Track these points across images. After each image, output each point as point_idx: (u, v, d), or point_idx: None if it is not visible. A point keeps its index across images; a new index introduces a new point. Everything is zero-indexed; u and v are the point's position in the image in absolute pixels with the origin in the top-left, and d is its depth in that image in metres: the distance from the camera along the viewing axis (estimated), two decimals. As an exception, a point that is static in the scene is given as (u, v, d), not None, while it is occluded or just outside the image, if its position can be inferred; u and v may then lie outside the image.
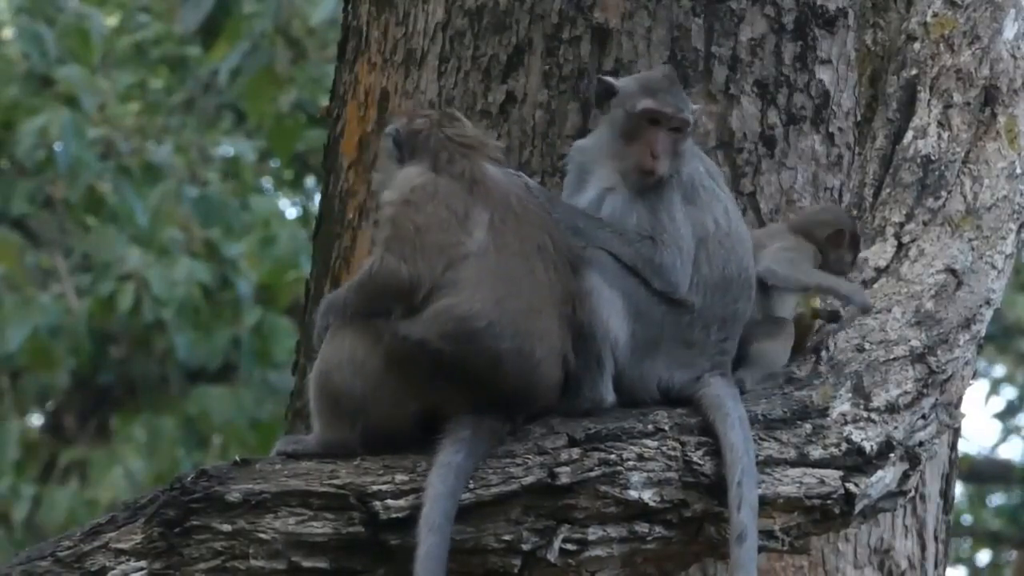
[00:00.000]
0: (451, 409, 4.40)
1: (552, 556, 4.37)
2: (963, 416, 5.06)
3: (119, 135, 14.10)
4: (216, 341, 13.56)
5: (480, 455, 4.36)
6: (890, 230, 5.12)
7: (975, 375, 5.31)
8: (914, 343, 4.85)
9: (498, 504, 4.36)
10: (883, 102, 5.42)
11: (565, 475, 4.39)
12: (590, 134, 4.96)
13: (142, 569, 4.27)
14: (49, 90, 13.89)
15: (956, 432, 5.76)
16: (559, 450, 4.43)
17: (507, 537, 4.36)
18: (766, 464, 4.57)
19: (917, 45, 5.41)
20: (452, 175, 4.55)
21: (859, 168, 5.40)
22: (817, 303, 4.90)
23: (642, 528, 4.46)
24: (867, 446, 4.66)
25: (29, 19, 13.86)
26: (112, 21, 15.14)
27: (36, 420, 15.76)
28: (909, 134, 5.28)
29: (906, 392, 4.78)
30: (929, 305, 4.94)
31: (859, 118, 5.64)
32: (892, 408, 4.75)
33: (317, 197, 6.32)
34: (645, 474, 4.45)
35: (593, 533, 4.42)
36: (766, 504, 4.54)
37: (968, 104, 5.28)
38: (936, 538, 5.71)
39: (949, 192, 5.17)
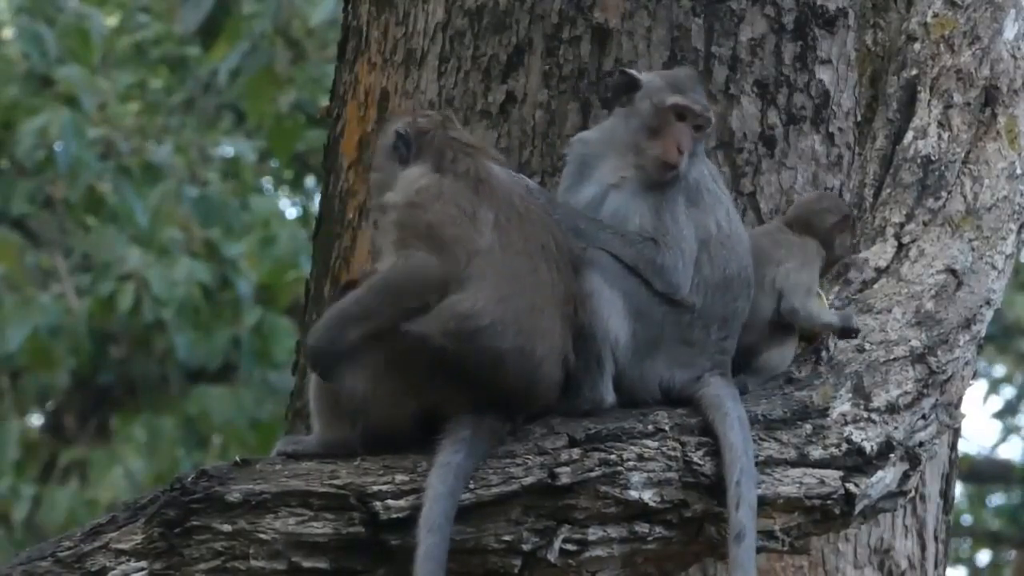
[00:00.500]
0: (451, 409, 4.40)
1: (552, 556, 4.37)
2: (963, 416, 5.06)
3: (119, 135, 14.10)
4: (216, 341, 13.56)
5: (480, 455, 4.36)
6: (890, 230, 5.12)
7: (975, 375, 5.31)
8: (914, 343, 4.85)
9: (498, 504, 4.36)
10: (883, 102, 5.42)
11: (565, 475, 4.39)
12: (596, 126, 4.96)
13: (142, 569, 4.27)
14: (49, 90, 13.89)
15: (956, 432, 5.76)
16: (559, 450, 4.43)
17: (507, 537, 4.36)
18: (766, 464, 4.57)
19: (917, 45, 5.41)
20: (456, 174, 4.55)
21: (859, 168, 5.40)
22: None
23: (642, 528, 4.46)
24: (867, 446, 4.66)
25: (29, 19, 13.86)
26: (112, 21, 15.14)
27: (36, 420, 15.76)
28: (909, 134, 5.29)
29: (906, 392, 4.78)
30: (929, 305, 4.94)
31: (859, 118, 5.64)
32: (892, 408, 4.75)
33: (317, 197, 6.31)
34: (645, 474, 4.45)
35: (593, 533, 4.41)
36: (766, 504, 4.54)
37: (968, 104, 5.28)
38: (936, 538, 5.71)
39: (949, 192, 5.17)
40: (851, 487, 4.62)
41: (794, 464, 4.61)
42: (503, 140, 5.42)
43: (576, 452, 4.43)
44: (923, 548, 5.66)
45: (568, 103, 5.41)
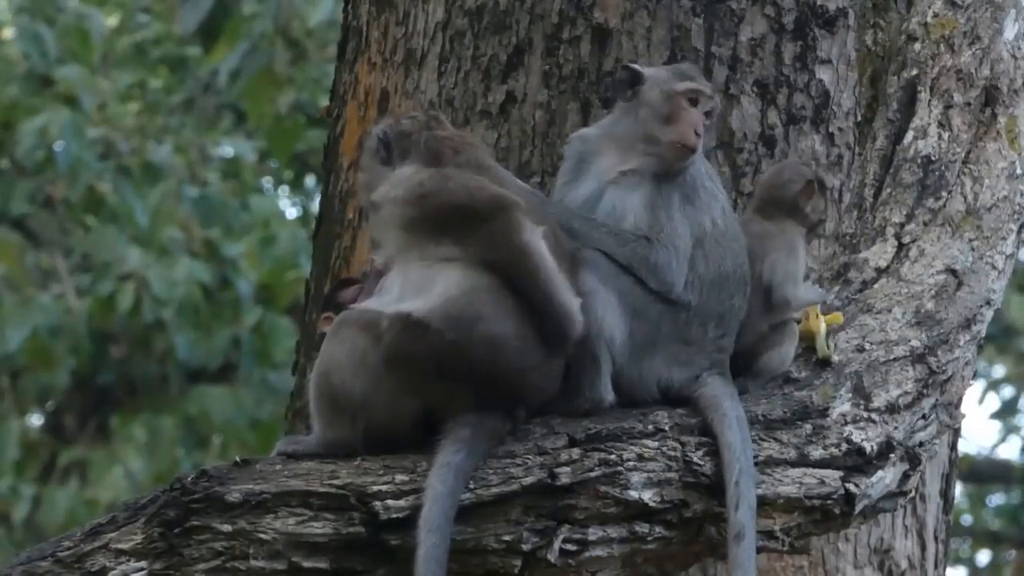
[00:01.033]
0: (451, 409, 4.40)
1: (552, 556, 4.37)
2: (963, 416, 5.05)
3: (119, 135, 14.11)
4: (216, 341, 13.56)
5: (480, 455, 4.36)
6: (890, 230, 5.12)
7: (975, 375, 5.31)
8: (914, 343, 4.85)
9: (498, 504, 4.36)
10: (883, 102, 5.42)
11: (565, 475, 4.39)
12: (596, 123, 4.97)
13: (142, 569, 4.26)
14: (49, 90, 13.89)
15: (956, 432, 5.76)
16: (559, 450, 4.43)
17: (507, 537, 4.36)
18: (766, 464, 4.57)
19: (917, 45, 5.41)
20: (459, 165, 4.56)
21: (859, 168, 5.40)
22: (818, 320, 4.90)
23: (642, 528, 4.46)
24: (867, 446, 4.66)
25: (29, 19, 13.86)
26: (112, 21, 15.14)
27: (36, 420, 15.76)
28: (909, 134, 5.28)
29: (906, 392, 4.78)
30: (929, 305, 4.94)
31: (859, 118, 5.64)
32: (892, 408, 4.74)
33: (317, 197, 6.32)
34: (645, 474, 4.45)
35: (593, 533, 4.41)
36: (766, 504, 4.54)
37: (968, 104, 5.28)
38: (936, 538, 5.71)
39: (949, 192, 5.17)
40: (851, 487, 4.62)
41: (794, 464, 4.61)
42: (503, 140, 5.42)
43: (576, 452, 4.43)
44: (923, 548, 5.66)
45: (568, 103, 5.41)
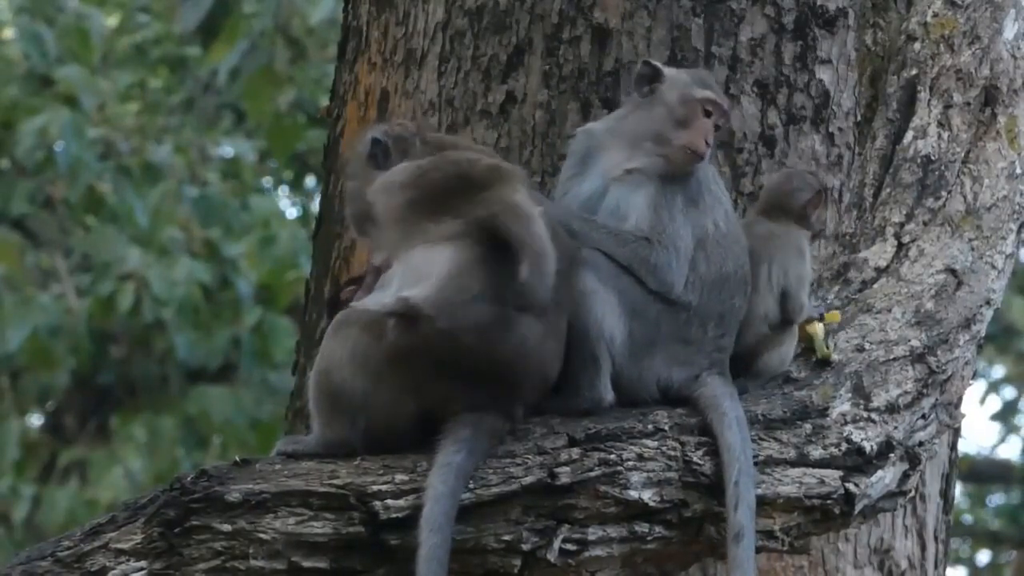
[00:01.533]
0: (450, 409, 4.40)
1: (552, 556, 4.37)
2: (963, 416, 5.06)
3: (119, 135, 14.10)
4: (216, 341, 13.56)
5: (480, 455, 4.36)
6: (890, 230, 5.12)
7: (975, 375, 5.31)
8: (914, 343, 4.85)
9: (498, 504, 4.36)
10: (883, 102, 5.42)
11: (565, 475, 4.39)
12: (603, 118, 4.97)
13: (142, 569, 4.27)
14: (49, 90, 13.89)
15: (956, 432, 5.76)
16: (559, 450, 4.43)
17: (507, 537, 4.36)
18: (766, 464, 4.57)
19: (917, 45, 5.41)
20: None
21: (859, 168, 5.40)
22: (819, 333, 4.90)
23: (642, 528, 4.46)
24: (867, 446, 4.66)
25: (29, 19, 13.85)
26: (112, 21, 15.14)
27: (36, 420, 15.75)
28: (909, 134, 5.28)
29: (906, 392, 4.78)
30: (929, 305, 4.94)
31: (859, 118, 5.64)
32: (892, 408, 4.75)
33: (317, 197, 6.31)
34: (645, 474, 4.45)
35: (593, 533, 4.41)
36: (766, 504, 4.54)
37: (968, 104, 5.28)
38: (936, 538, 5.71)
39: (949, 192, 5.17)
40: (851, 487, 4.62)
41: (794, 464, 4.61)
42: (503, 140, 5.42)
43: (576, 452, 4.43)
44: (923, 548, 5.66)
45: (568, 103, 5.41)
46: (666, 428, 4.53)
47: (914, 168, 5.21)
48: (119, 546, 4.28)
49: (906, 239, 5.10)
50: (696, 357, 4.65)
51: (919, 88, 5.34)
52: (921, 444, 4.79)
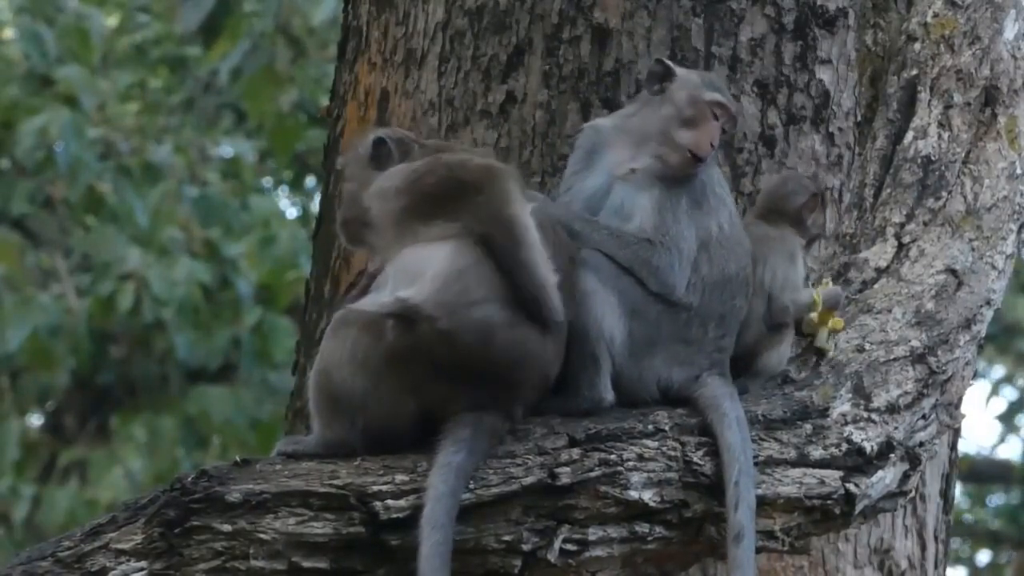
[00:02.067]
0: (450, 409, 4.40)
1: (552, 556, 4.37)
2: (963, 416, 5.06)
3: (119, 135, 14.10)
4: (216, 341, 13.55)
5: (480, 454, 4.36)
6: (890, 230, 5.12)
7: (975, 376, 5.31)
8: (914, 343, 4.85)
9: (498, 504, 4.36)
10: (883, 102, 5.42)
11: (565, 475, 4.39)
12: (611, 114, 4.97)
13: (142, 569, 4.26)
14: (49, 90, 13.89)
15: (956, 432, 5.76)
16: (559, 450, 4.43)
17: (507, 537, 4.36)
18: (766, 464, 4.57)
19: (917, 45, 5.41)
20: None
21: (859, 168, 5.40)
22: (819, 298, 4.89)
23: (642, 528, 4.46)
24: (867, 446, 4.66)
25: (29, 19, 13.85)
26: (112, 21, 15.14)
27: (36, 420, 15.75)
28: (909, 134, 5.28)
29: (906, 392, 4.78)
30: (929, 305, 4.94)
31: (859, 118, 5.64)
32: (892, 408, 4.75)
33: (317, 197, 6.31)
34: (645, 474, 4.45)
35: (593, 533, 4.41)
36: (766, 504, 4.54)
37: (968, 104, 5.28)
38: (936, 538, 5.71)
39: (949, 192, 5.17)
40: (851, 487, 4.62)
41: (794, 464, 4.61)
42: (503, 140, 5.42)
43: (576, 452, 4.43)
44: (923, 548, 5.66)
45: (568, 103, 5.41)
46: (666, 428, 4.53)
47: (914, 168, 5.21)
48: (119, 546, 4.28)
49: (906, 239, 5.10)
50: (696, 357, 4.65)
51: (919, 88, 5.34)
52: (921, 444, 4.79)
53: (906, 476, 4.76)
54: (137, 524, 4.30)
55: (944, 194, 5.16)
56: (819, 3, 5.55)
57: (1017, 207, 5.19)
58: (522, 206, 4.48)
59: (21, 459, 14.05)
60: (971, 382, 5.16)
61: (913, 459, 4.76)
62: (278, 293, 13.75)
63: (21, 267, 13.86)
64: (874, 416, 4.71)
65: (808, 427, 4.65)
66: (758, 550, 4.47)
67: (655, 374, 4.63)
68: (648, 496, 4.45)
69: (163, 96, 14.96)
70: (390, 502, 4.30)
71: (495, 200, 4.46)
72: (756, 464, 4.51)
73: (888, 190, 5.22)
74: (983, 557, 18.83)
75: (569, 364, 4.55)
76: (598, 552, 4.43)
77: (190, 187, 13.96)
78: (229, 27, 13.51)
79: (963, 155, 5.22)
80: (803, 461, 4.61)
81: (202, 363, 13.73)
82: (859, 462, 4.65)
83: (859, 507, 4.65)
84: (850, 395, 4.73)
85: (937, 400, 4.84)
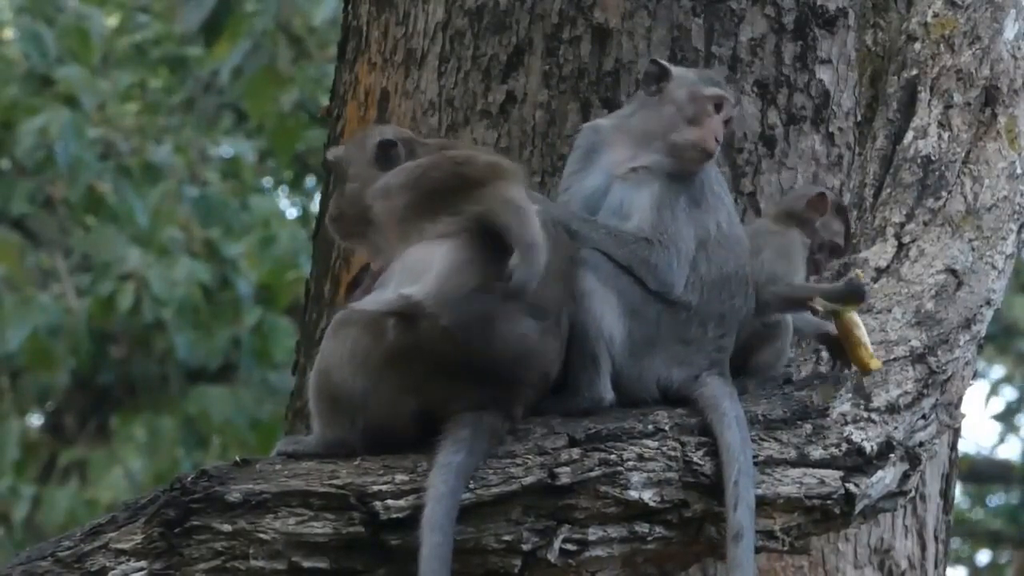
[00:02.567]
0: (450, 408, 4.40)
1: (552, 556, 4.37)
2: (963, 416, 5.06)
3: (119, 135, 14.11)
4: (216, 341, 13.56)
5: (480, 454, 4.36)
6: (890, 230, 5.12)
7: (975, 376, 5.31)
8: (914, 343, 4.85)
9: (498, 504, 4.36)
10: (883, 102, 5.43)
11: (565, 475, 4.39)
12: (611, 114, 4.97)
13: (142, 569, 4.26)
14: (49, 90, 13.89)
15: (956, 432, 5.76)
16: (559, 450, 4.43)
17: (507, 537, 4.36)
18: (766, 464, 4.57)
19: (917, 45, 5.41)
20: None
21: (859, 168, 5.41)
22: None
23: (642, 528, 4.46)
24: (867, 446, 4.66)
25: (29, 19, 13.86)
26: (112, 21, 15.14)
27: (36, 420, 15.76)
28: (909, 134, 5.29)
29: (906, 392, 4.78)
30: (929, 305, 4.94)
31: (859, 118, 5.64)
32: (892, 408, 4.74)
33: (317, 197, 6.31)
34: (645, 474, 4.45)
35: (593, 533, 4.41)
36: (766, 504, 4.54)
37: (968, 104, 5.28)
38: (936, 538, 5.71)
39: (949, 192, 5.17)
40: (851, 487, 4.62)
41: (794, 464, 4.61)
42: (503, 140, 5.42)
43: (576, 452, 4.43)
44: (923, 548, 5.66)
45: (568, 103, 5.41)
46: (666, 428, 4.53)
47: (914, 168, 5.21)
48: (119, 546, 4.28)
49: (906, 239, 5.10)
50: (696, 357, 4.65)
51: (919, 88, 5.34)
52: (921, 444, 4.79)
53: (906, 476, 4.76)
54: (137, 524, 4.30)
55: (944, 194, 5.16)
56: (819, 3, 5.55)
57: (1017, 207, 5.19)
58: (525, 195, 4.48)
59: (21, 459, 14.05)
60: (971, 382, 5.16)
61: (913, 459, 4.76)
62: (278, 293, 13.75)
63: (21, 267, 13.87)
64: (874, 416, 4.71)
65: (808, 427, 4.65)
66: (758, 550, 4.47)
67: (655, 374, 4.63)
68: (648, 496, 4.44)
69: (163, 96, 14.96)
70: (390, 502, 4.30)
71: (498, 191, 4.45)
72: (756, 464, 4.51)
73: (888, 190, 5.22)
74: (983, 557, 18.84)
75: (569, 364, 4.55)
76: (598, 552, 4.43)
77: (190, 187, 13.97)
78: (230, 26, 13.51)
79: (963, 155, 5.22)
80: (803, 461, 4.61)
81: (202, 363, 13.74)
82: (859, 462, 4.65)
83: (859, 507, 4.65)
84: (850, 395, 4.73)
85: (937, 400, 4.84)
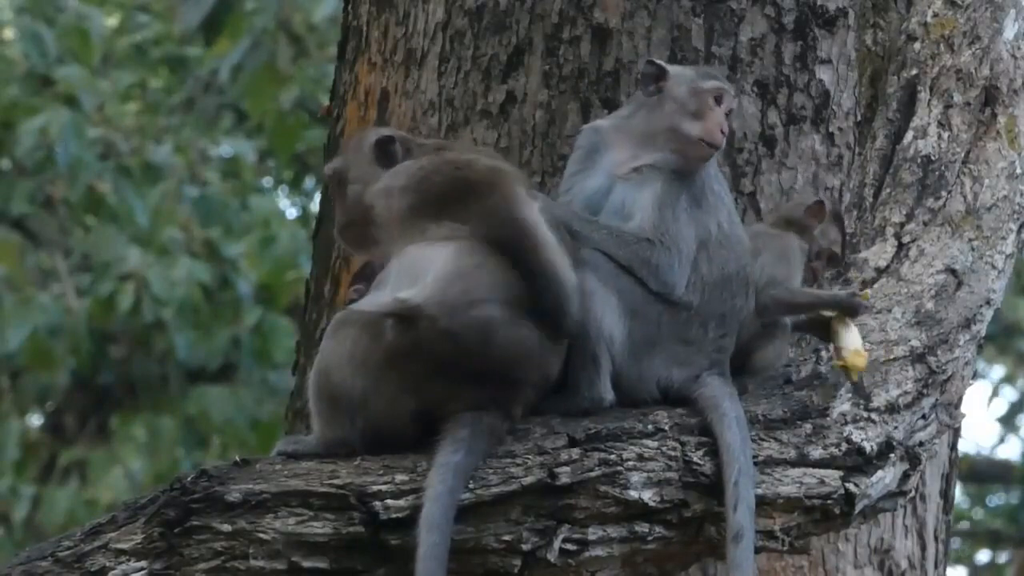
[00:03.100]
0: (450, 408, 4.40)
1: (552, 556, 4.37)
2: (963, 416, 5.06)
3: (119, 135, 14.10)
4: (216, 341, 13.56)
5: (479, 454, 4.36)
6: (890, 230, 5.12)
7: (975, 376, 5.31)
8: (914, 343, 4.85)
9: (498, 504, 4.36)
10: (883, 102, 5.42)
11: (565, 475, 4.39)
12: (611, 115, 4.97)
13: (142, 569, 4.27)
14: (49, 90, 13.89)
15: (956, 432, 5.76)
16: (559, 450, 4.43)
17: (507, 537, 4.36)
18: (766, 464, 4.57)
19: (917, 45, 5.41)
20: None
21: (859, 168, 5.40)
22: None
23: (642, 528, 4.46)
24: (867, 446, 4.66)
25: (29, 19, 13.86)
26: (112, 21, 15.14)
27: (36, 420, 15.76)
28: (909, 134, 5.28)
29: (906, 392, 4.78)
30: (929, 305, 4.94)
31: (859, 118, 5.64)
32: (892, 408, 4.74)
33: (317, 197, 6.31)
34: (645, 474, 4.45)
35: (593, 533, 4.41)
36: (766, 504, 4.54)
37: (968, 104, 5.28)
38: (936, 538, 5.71)
39: (949, 192, 5.17)
40: (851, 487, 4.62)
41: (794, 464, 4.61)
42: (503, 140, 5.42)
43: (576, 452, 4.43)
44: (923, 548, 5.66)
45: (568, 103, 5.41)
46: (666, 428, 4.53)
47: (914, 168, 5.21)
48: (119, 546, 4.28)
49: (906, 239, 5.10)
50: (696, 357, 4.65)
51: (919, 88, 5.34)
52: (921, 444, 4.79)
53: (906, 476, 4.76)
54: (137, 524, 4.30)
55: (944, 194, 5.16)
56: (819, 3, 5.55)
57: (1017, 207, 5.19)
58: (530, 207, 4.48)
59: (21, 459, 14.06)
60: (971, 382, 5.16)
61: (913, 459, 4.76)
62: (278, 293, 13.76)
63: (21, 267, 13.87)
64: (874, 416, 4.71)
65: (808, 427, 4.65)
66: (758, 550, 4.48)
67: (655, 374, 4.63)
68: (648, 496, 4.44)
69: (163, 96, 14.96)
70: (390, 502, 4.30)
71: (503, 204, 4.45)
72: (756, 464, 4.51)
73: (888, 190, 5.22)
74: (983, 557, 18.84)
75: (569, 364, 4.55)
76: (598, 552, 4.43)
77: (190, 187, 13.97)
78: (230, 24, 13.50)
79: (963, 155, 5.22)
80: (803, 461, 4.61)
81: (202, 363, 13.74)
82: (859, 462, 4.65)
83: (859, 507, 4.65)
84: (850, 395, 4.73)
85: (937, 400, 4.84)
